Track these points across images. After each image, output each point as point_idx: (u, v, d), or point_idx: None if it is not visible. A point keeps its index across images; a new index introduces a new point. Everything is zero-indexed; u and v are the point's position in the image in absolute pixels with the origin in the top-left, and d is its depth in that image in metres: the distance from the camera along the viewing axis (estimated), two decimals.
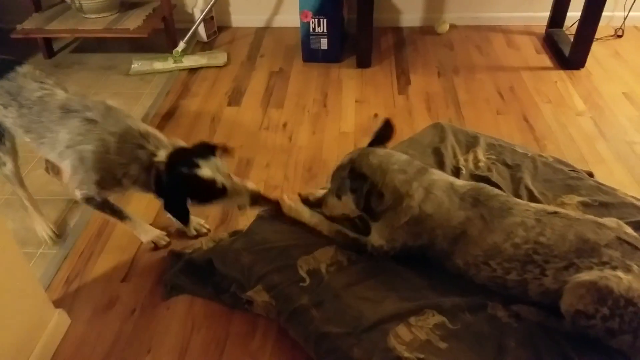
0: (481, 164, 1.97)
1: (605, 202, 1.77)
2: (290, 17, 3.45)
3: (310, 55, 3.13)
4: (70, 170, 1.65)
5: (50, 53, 3.26)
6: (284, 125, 2.58)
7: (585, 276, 1.31)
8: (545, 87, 2.83)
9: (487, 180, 1.84)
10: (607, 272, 1.30)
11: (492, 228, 1.44)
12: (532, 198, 1.80)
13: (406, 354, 1.32)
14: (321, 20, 2.99)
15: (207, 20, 3.34)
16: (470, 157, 2.01)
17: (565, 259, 1.36)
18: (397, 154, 1.59)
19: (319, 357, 1.41)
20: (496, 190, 1.54)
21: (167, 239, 1.90)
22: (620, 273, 1.29)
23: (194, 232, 1.93)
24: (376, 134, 1.65)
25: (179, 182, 1.56)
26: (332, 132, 2.52)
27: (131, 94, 2.87)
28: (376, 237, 1.58)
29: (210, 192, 1.58)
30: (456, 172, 1.93)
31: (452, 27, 3.49)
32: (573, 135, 2.44)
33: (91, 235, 1.96)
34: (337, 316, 1.43)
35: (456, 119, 2.57)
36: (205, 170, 1.56)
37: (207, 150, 1.63)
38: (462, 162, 1.98)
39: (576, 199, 1.80)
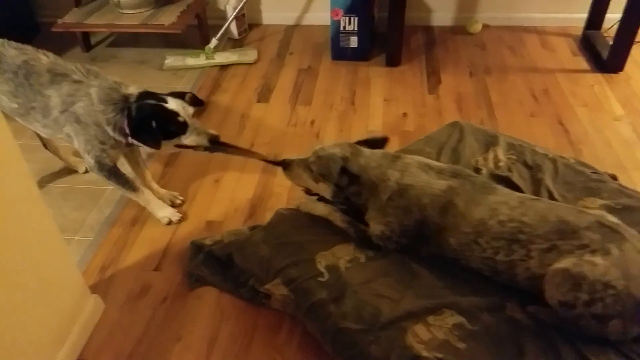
0: (501, 164, 1.95)
1: (629, 206, 1.71)
2: (320, 15, 3.46)
3: (339, 53, 3.13)
4: (74, 134, 1.80)
5: (87, 47, 3.34)
6: (312, 122, 2.59)
7: (559, 264, 1.33)
8: (581, 90, 2.77)
9: (507, 181, 1.82)
10: (585, 257, 1.32)
11: (477, 200, 1.50)
12: (552, 200, 1.76)
13: (425, 353, 1.32)
14: (352, 18, 2.99)
15: (239, 17, 3.37)
16: (490, 156, 1.99)
17: (548, 240, 1.39)
18: (377, 153, 1.67)
19: (335, 352, 1.42)
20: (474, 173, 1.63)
21: (179, 214, 2.01)
22: (597, 259, 1.31)
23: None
24: (370, 139, 1.76)
25: (145, 109, 1.73)
26: (360, 130, 2.52)
27: (164, 88, 2.89)
28: (374, 225, 1.62)
29: (172, 122, 1.74)
30: (475, 173, 1.90)
31: (485, 27, 3.44)
32: (610, 140, 2.38)
33: (125, 224, 2.01)
34: (355, 312, 1.44)
35: (488, 120, 2.54)
36: (171, 104, 1.76)
37: (176, 95, 1.83)
38: (481, 162, 1.97)
39: (598, 202, 1.75)
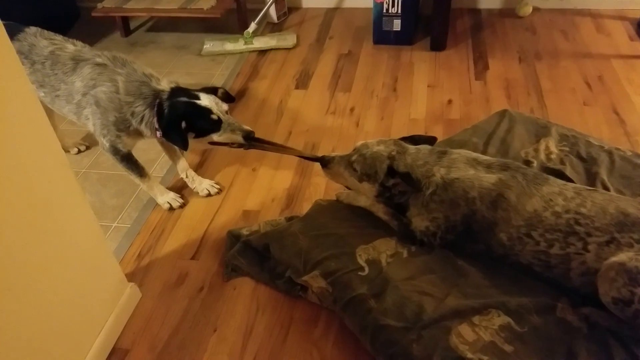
0: (553, 156, 1.85)
1: None
2: None
3: (382, 37, 3.03)
4: (92, 117, 1.79)
5: (127, 31, 3.36)
6: (351, 109, 2.52)
7: (614, 258, 1.28)
8: (639, 77, 2.58)
9: (560, 174, 1.73)
10: None
11: (530, 193, 1.43)
12: None
13: (469, 355, 1.27)
14: (395, 0, 2.88)
15: (278, 0, 3.32)
16: (542, 147, 1.90)
17: (607, 233, 1.33)
18: (423, 149, 1.61)
19: (374, 349, 1.38)
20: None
21: (181, 200, 2.02)
22: None
23: (206, 191, 2.04)
24: (415, 136, 1.70)
25: (178, 107, 1.69)
26: (402, 118, 2.43)
27: (203, 74, 2.91)
28: (418, 221, 1.57)
29: (206, 120, 1.70)
30: (526, 165, 1.80)
31: (535, 10, 3.27)
32: None
33: (163, 212, 2.00)
34: (396, 309, 1.40)
35: (538, 109, 2.41)
36: (204, 100, 1.71)
37: (208, 90, 1.79)
38: (531, 154, 1.87)
39: None
